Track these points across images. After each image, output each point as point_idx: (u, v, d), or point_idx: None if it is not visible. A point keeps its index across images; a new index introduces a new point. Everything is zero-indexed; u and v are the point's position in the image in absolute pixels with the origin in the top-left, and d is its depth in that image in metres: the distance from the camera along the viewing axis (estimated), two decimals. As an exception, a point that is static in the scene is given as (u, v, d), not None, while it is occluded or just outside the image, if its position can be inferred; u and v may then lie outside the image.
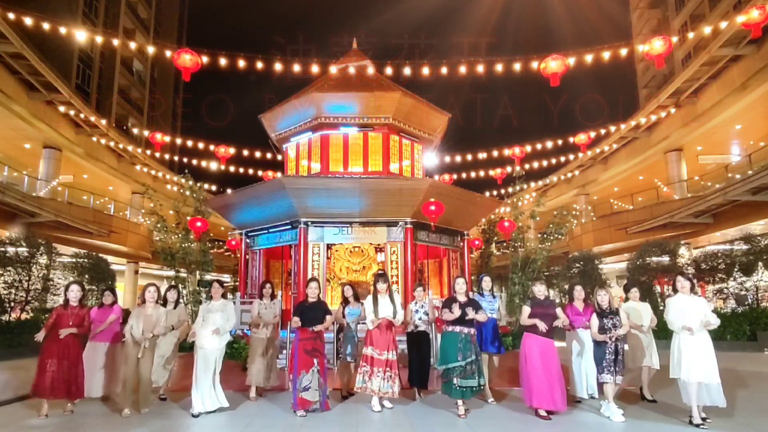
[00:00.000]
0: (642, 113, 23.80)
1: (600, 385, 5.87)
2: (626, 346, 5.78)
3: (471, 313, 5.80)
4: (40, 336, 5.71)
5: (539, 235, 18.79)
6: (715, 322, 5.45)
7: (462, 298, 6.06)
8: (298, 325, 6.13)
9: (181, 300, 7.14)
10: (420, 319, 6.72)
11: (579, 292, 6.61)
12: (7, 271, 11.57)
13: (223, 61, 10.44)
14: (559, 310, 5.94)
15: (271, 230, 11.70)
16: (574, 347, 6.62)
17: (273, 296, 7.41)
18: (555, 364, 5.74)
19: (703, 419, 5.32)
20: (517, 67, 10.59)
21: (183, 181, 15.51)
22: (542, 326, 5.74)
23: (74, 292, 5.99)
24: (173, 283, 11.88)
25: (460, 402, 5.82)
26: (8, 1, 12.92)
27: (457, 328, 5.91)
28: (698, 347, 5.39)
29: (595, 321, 5.88)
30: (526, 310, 6.00)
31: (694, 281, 6.00)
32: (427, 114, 13.33)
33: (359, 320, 6.74)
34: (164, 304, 6.58)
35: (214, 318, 6.08)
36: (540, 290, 6.06)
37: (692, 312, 5.52)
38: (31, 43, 17.89)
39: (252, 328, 7.39)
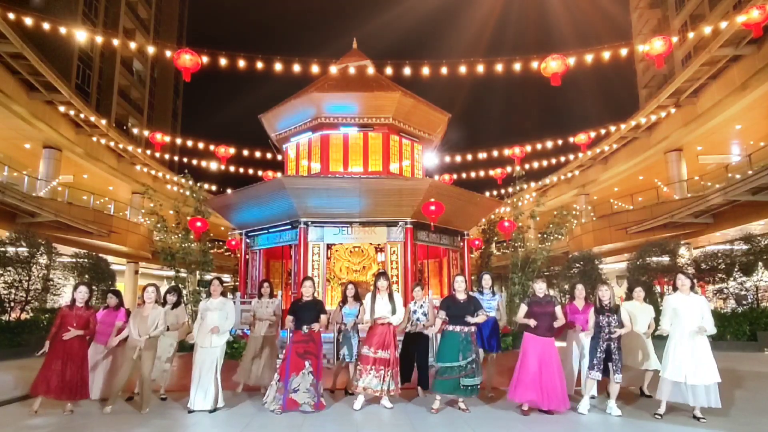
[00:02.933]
0: (642, 113, 23.78)
1: (586, 380, 5.91)
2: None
3: (471, 319, 5.85)
4: (45, 348, 5.72)
5: (539, 235, 18.81)
6: (711, 330, 5.46)
7: (461, 296, 6.06)
8: (291, 325, 6.14)
9: (182, 301, 7.11)
10: (418, 320, 6.70)
11: (580, 290, 6.61)
12: (7, 271, 11.56)
13: (223, 61, 10.45)
14: (557, 309, 5.93)
15: (271, 230, 11.70)
16: (574, 347, 6.62)
17: (273, 295, 7.41)
18: (554, 364, 5.73)
19: (699, 418, 5.34)
20: (517, 67, 10.58)
21: (183, 181, 15.53)
22: (532, 322, 5.79)
23: (82, 293, 5.96)
24: (174, 284, 11.88)
25: (463, 399, 5.91)
26: (8, 1, 12.91)
27: (457, 328, 5.91)
28: (690, 349, 5.40)
29: (592, 316, 5.90)
30: (523, 308, 6.04)
31: (694, 280, 6.00)
32: (427, 114, 13.33)
33: (357, 321, 6.71)
34: (164, 305, 6.55)
35: (212, 316, 6.05)
36: (540, 288, 6.06)
37: (688, 312, 5.52)
38: (31, 43, 17.89)
39: (250, 327, 7.42)
